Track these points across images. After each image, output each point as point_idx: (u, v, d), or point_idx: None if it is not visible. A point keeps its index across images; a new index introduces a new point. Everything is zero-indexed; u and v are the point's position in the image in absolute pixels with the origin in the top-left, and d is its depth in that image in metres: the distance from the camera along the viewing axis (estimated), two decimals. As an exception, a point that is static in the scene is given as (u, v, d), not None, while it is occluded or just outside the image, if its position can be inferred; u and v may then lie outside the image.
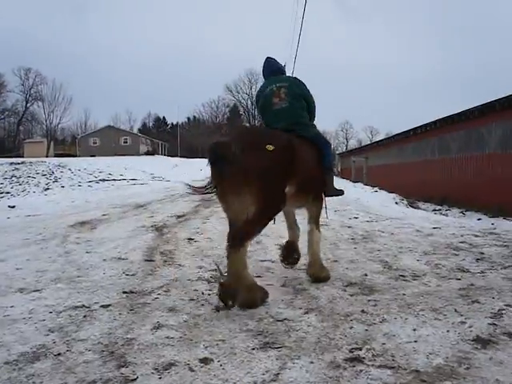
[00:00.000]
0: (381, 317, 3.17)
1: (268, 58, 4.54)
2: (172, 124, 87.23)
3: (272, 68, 4.42)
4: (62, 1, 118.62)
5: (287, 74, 4.67)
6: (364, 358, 2.53)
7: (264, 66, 4.49)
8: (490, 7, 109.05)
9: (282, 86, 4.15)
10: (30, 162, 25.81)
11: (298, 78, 4.40)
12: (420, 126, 21.05)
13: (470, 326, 2.94)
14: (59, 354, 2.57)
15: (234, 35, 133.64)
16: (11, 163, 25.02)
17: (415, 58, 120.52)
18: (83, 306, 3.41)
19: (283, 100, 4.08)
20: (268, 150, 3.36)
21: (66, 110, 73.35)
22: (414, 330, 2.92)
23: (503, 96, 13.60)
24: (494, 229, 7.43)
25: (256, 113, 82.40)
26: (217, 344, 2.71)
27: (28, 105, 71.69)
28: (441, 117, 18.59)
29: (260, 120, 4.38)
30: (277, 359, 2.51)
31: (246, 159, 3.25)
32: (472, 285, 3.96)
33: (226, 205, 3.52)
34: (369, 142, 60.63)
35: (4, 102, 71.06)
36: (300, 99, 4.18)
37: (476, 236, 6.48)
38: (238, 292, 3.29)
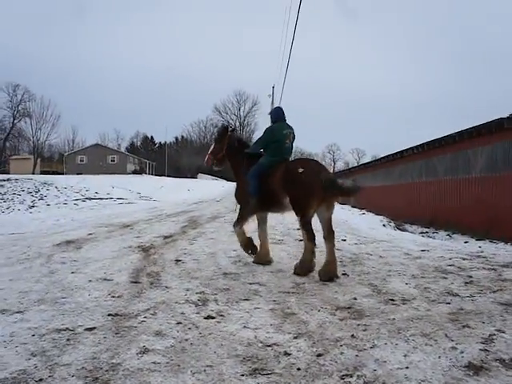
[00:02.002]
0: (371, 342, 3.13)
1: (279, 107, 6.48)
2: (160, 143, 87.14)
3: (282, 115, 6.12)
4: (53, 18, 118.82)
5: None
6: (355, 385, 2.48)
7: (277, 112, 6.19)
8: (483, 32, 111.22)
9: (291, 132, 6.01)
10: (16, 179, 25.55)
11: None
12: (407, 149, 21.21)
13: (462, 352, 2.91)
14: (41, 380, 2.49)
15: (223, 56, 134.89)
16: (-4, 180, 24.75)
17: (403, 81, 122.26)
18: (67, 328, 3.33)
19: (290, 142, 5.99)
20: None
21: (54, 127, 73.06)
22: (405, 355, 2.88)
23: (489, 120, 13.78)
24: (482, 252, 7.44)
25: (243, 134, 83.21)
26: (204, 370, 2.65)
27: (15, 121, 71.16)
28: (428, 140, 18.77)
29: (268, 148, 5.96)
30: (266, 386, 2.45)
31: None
32: (462, 309, 3.93)
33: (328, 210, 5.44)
34: (355, 164, 61.10)
35: (-9, 118, 70.49)
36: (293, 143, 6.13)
37: (464, 259, 6.48)
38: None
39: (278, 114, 6.11)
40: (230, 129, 6.58)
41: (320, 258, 5.38)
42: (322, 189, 5.15)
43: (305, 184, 5.23)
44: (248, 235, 6.18)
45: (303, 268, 5.34)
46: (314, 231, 5.33)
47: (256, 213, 6.04)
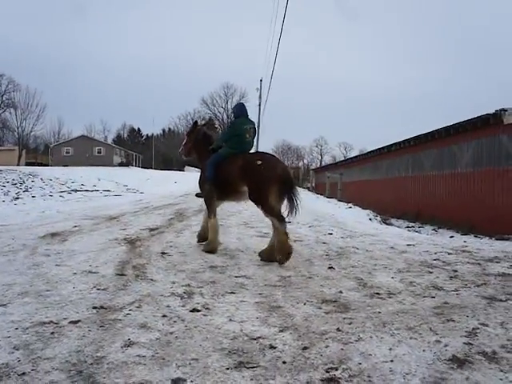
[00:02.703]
0: (356, 335, 3.14)
1: (241, 103, 7.10)
2: (147, 135, 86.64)
3: (244, 111, 6.59)
4: (37, 6, 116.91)
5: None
6: (340, 378, 2.49)
7: (240, 108, 6.67)
8: (472, 28, 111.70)
9: (251, 127, 6.46)
10: (0, 170, 25.21)
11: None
12: (394, 144, 21.35)
13: (446, 346, 2.93)
14: (24, 374, 2.46)
15: (210, 48, 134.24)
16: (-20, 171, 24.39)
17: (390, 75, 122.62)
18: (51, 321, 3.29)
19: (250, 136, 6.41)
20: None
21: (40, 118, 72.11)
22: (390, 349, 2.89)
23: (474, 116, 13.90)
24: (466, 246, 7.51)
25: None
26: (190, 363, 2.64)
27: (-1, 111, 70.36)
28: (415, 135, 18.88)
29: (229, 141, 6.39)
30: (251, 379, 2.45)
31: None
32: (446, 303, 3.97)
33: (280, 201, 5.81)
34: (343, 158, 61.39)
35: (-26, 108, 69.61)
36: (254, 138, 6.59)
37: (449, 254, 6.54)
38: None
39: (240, 110, 6.63)
40: (198, 123, 7.33)
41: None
42: (278, 181, 5.67)
43: (263, 176, 5.69)
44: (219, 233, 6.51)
45: (282, 251, 5.58)
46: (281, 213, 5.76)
47: (213, 198, 6.42)
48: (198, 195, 6.92)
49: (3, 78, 68.50)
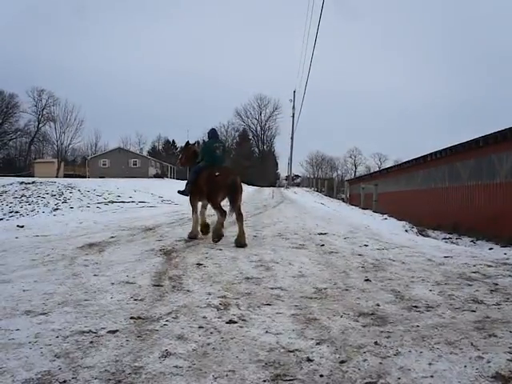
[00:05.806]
0: (395, 349, 3.08)
1: (213, 128, 9.26)
2: (181, 147, 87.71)
3: (215, 134, 9.01)
4: (76, 25, 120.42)
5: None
6: (379, 393, 2.44)
7: (211, 132, 8.95)
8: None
9: (220, 145, 8.77)
10: (40, 182, 25.79)
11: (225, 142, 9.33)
12: (430, 154, 20.99)
13: (489, 362, 2.84)
14: (65, 382, 2.50)
15: (244, 60, 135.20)
16: (21, 182, 25.00)
17: (424, 85, 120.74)
18: (90, 331, 3.35)
19: (220, 151, 8.58)
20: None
21: (78, 131, 74.30)
22: (430, 364, 2.82)
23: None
24: (507, 259, 7.29)
25: (264, 138, 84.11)
26: (226, 375, 2.64)
27: (40, 125, 72.86)
28: (451, 144, 18.55)
29: (204, 157, 8.65)
30: (288, 393, 2.43)
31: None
32: (488, 317, 3.85)
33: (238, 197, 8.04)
34: (377, 169, 60.69)
35: (16, 122, 72.43)
36: (225, 152, 9.00)
37: (489, 266, 6.36)
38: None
39: (211, 133, 8.94)
40: (189, 143, 9.49)
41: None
42: (227, 186, 7.77)
43: (218, 183, 7.77)
44: (200, 224, 8.64)
45: (214, 234, 7.90)
46: (224, 208, 7.85)
47: (195, 200, 8.56)
48: (179, 192, 9.03)
49: (43, 93, 70.92)
